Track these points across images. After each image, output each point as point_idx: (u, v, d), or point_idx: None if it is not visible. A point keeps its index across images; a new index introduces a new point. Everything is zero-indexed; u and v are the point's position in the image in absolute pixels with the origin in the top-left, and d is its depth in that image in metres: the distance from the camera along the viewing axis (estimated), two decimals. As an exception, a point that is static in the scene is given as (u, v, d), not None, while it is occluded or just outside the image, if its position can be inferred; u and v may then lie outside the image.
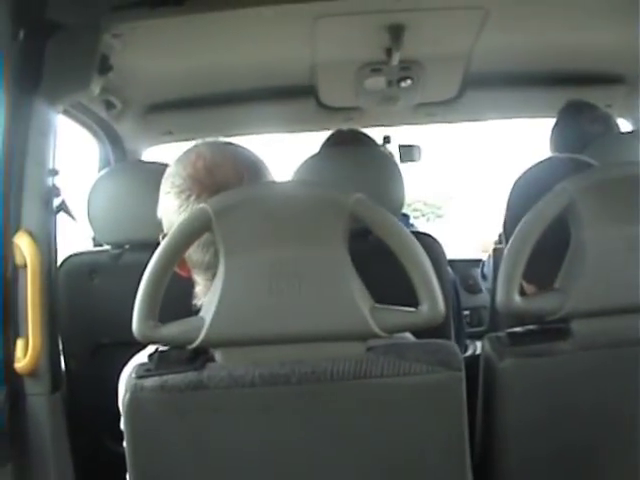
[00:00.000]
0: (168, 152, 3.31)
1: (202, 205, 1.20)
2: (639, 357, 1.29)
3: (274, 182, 1.40)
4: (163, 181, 1.43)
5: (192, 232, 1.21)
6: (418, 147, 3.44)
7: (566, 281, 1.29)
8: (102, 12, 1.91)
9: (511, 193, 1.60)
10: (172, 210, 1.38)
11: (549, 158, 1.75)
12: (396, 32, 2.33)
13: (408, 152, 3.42)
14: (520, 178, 1.60)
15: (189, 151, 1.43)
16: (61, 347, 1.92)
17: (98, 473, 1.89)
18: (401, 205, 2.19)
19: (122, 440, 1.27)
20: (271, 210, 1.20)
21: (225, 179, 1.36)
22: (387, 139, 3.30)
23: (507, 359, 1.29)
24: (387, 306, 1.22)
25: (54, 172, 1.83)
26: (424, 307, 1.20)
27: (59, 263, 2.09)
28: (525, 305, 1.29)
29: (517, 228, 1.31)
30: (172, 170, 1.41)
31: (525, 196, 1.31)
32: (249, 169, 1.39)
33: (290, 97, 2.95)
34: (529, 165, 1.61)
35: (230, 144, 1.46)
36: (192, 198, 1.35)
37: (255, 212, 1.20)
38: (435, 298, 1.20)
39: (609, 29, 2.40)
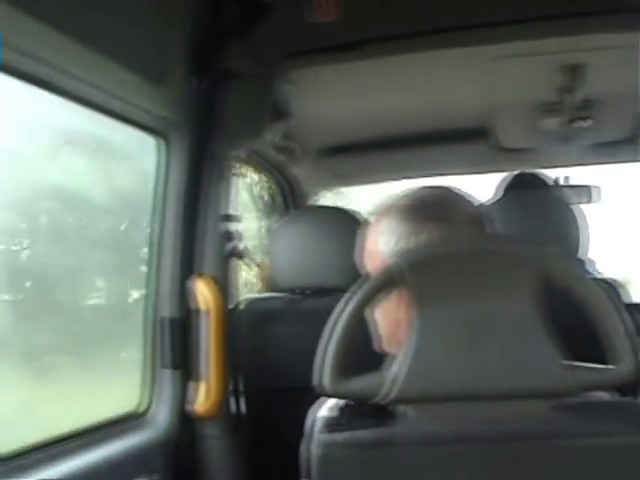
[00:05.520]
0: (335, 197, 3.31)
1: (395, 259, 1.18)
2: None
3: (462, 237, 1.34)
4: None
5: (386, 285, 1.18)
6: (598, 187, 3.32)
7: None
8: (278, 60, 1.95)
9: None
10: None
11: None
12: (573, 72, 2.27)
13: (584, 193, 3.31)
14: None
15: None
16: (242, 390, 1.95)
17: None
18: (576, 250, 2.12)
19: None
20: (462, 265, 1.17)
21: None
22: (557, 180, 3.21)
23: None
24: (580, 363, 1.15)
25: (229, 217, 1.87)
26: (620, 365, 1.12)
27: (240, 307, 2.12)
28: None
29: None
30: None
31: None
32: None
33: (464, 139, 2.90)
34: None
35: None
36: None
37: (446, 267, 1.17)
38: (630, 355, 1.12)
39: None
